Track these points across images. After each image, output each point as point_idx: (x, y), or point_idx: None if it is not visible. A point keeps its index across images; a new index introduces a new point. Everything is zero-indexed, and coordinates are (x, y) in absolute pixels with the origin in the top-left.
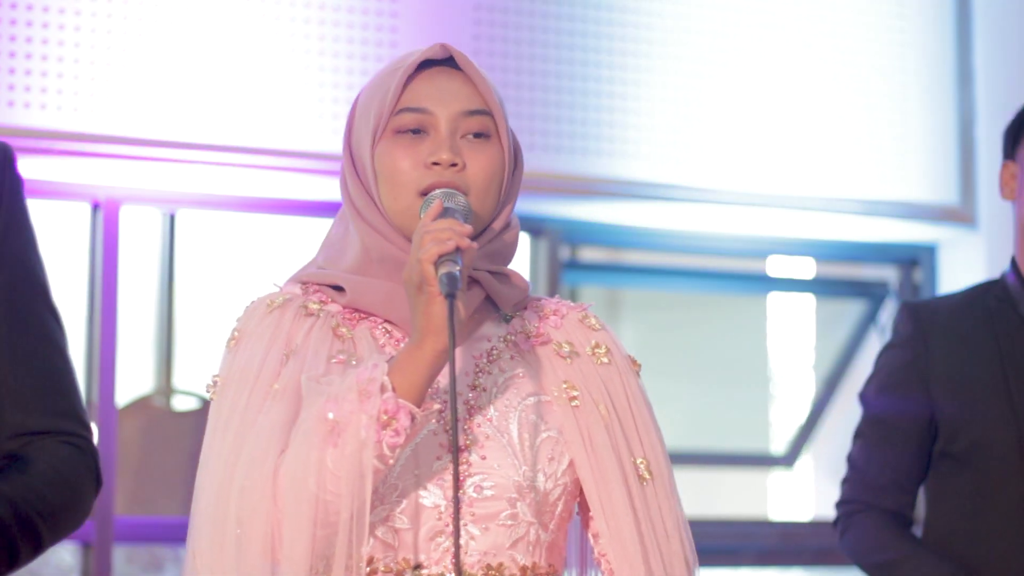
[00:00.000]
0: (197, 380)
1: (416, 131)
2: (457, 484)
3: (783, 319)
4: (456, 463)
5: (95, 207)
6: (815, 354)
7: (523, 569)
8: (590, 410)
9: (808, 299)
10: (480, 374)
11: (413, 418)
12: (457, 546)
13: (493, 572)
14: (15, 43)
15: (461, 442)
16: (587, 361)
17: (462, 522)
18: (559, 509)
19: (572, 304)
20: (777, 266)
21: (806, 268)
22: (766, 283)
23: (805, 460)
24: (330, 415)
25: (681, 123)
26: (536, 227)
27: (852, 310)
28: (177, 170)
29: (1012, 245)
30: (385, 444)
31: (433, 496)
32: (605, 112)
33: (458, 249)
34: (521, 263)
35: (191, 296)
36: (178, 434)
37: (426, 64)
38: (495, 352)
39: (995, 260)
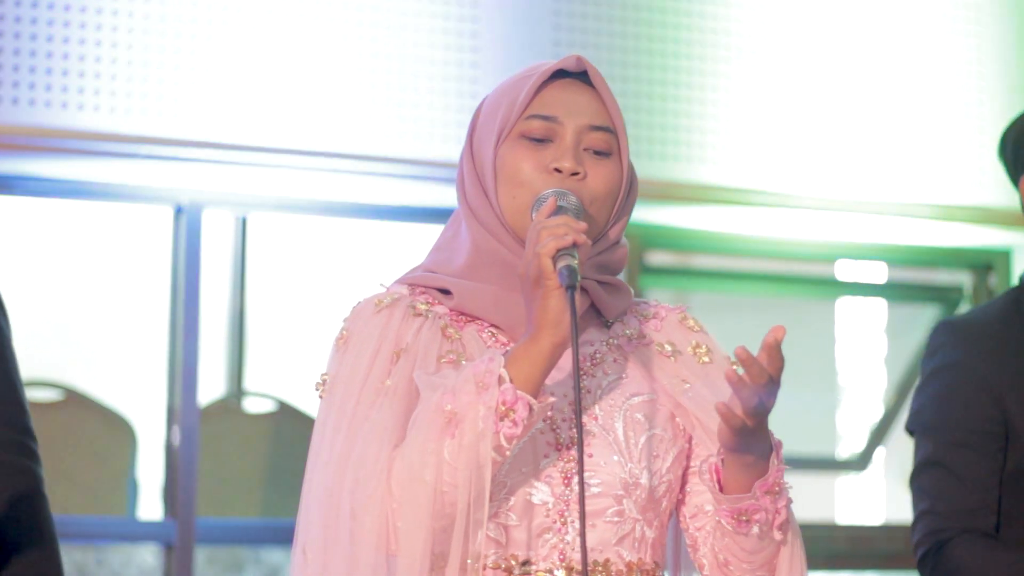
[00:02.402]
0: (269, 383)
1: (541, 140)
2: (582, 471)
3: (852, 323)
4: (580, 448)
5: (178, 211)
6: (888, 358)
7: (629, 565)
8: (704, 397)
9: (880, 303)
10: (584, 377)
11: (531, 409)
12: (584, 541)
13: (600, 568)
14: (100, 48)
15: (567, 441)
16: (690, 359)
17: (570, 519)
18: (664, 505)
19: (671, 307)
20: (846, 270)
21: (878, 272)
22: (836, 287)
23: (877, 464)
24: (448, 406)
25: (752, 128)
26: None
27: (926, 315)
28: (257, 174)
29: None
30: (503, 435)
31: (541, 493)
32: (674, 117)
33: (575, 244)
34: None
35: (263, 300)
36: (255, 437)
37: (558, 74)
38: (598, 356)
39: None
